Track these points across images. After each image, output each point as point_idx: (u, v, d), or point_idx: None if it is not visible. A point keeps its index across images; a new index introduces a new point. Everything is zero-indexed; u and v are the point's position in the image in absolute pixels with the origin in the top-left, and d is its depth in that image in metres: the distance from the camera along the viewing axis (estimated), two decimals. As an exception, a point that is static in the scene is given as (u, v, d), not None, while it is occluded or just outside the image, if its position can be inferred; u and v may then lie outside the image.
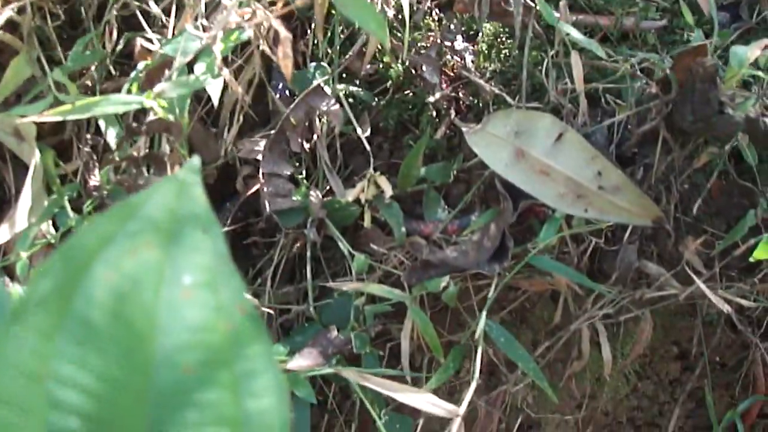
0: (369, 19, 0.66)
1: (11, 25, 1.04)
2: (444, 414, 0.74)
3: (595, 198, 0.90)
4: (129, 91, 0.85)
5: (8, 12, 1.03)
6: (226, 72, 0.81)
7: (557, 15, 0.98)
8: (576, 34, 0.96)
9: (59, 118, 0.76)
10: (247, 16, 0.86)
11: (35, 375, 0.36)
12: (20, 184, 1.03)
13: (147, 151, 0.82)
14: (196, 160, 0.39)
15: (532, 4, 0.99)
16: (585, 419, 1.05)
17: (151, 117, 0.80)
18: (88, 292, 0.37)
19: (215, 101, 0.81)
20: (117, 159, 0.88)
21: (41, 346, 0.37)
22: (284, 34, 0.71)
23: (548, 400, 1.01)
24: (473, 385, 0.80)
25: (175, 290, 0.38)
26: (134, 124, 0.82)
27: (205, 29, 0.91)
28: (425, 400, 0.75)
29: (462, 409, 0.75)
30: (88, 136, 0.91)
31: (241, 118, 0.88)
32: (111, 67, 1.03)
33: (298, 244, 0.99)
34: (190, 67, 0.89)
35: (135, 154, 0.82)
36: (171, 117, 0.77)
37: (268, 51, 0.90)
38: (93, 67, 1.02)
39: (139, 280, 0.38)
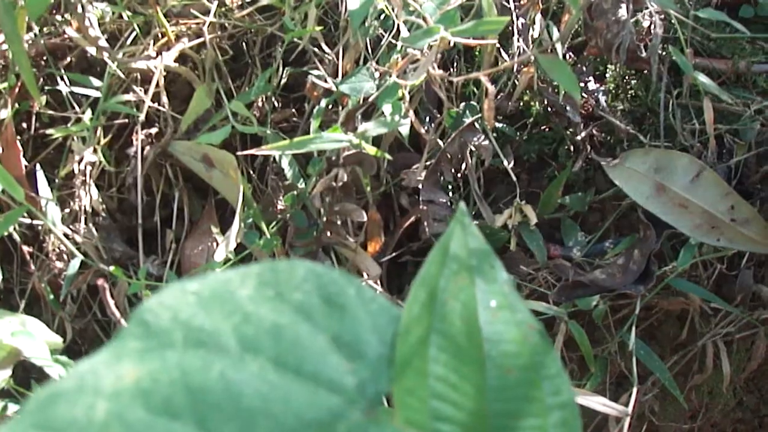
0: (564, 78, 0.77)
1: (181, 58, 1.16)
2: (615, 413, 0.85)
3: (726, 229, 1.00)
4: (316, 128, 0.96)
5: (181, 46, 1.14)
6: (411, 114, 0.91)
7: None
8: (705, 80, 1.06)
9: (277, 153, 0.86)
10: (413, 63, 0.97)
11: (421, 378, 0.47)
12: (192, 205, 1.14)
13: (345, 180, 0.93)
14: (462, 204, 0.50)
15: (663, 53, 1.10)
16: (697, 429, 1.16)
17: (347, 152, 0.91)
18: (441, 313, 0.49)
19: (405, 140, 0.92)
20: (299, 186, 0.99)
21: (420, 351, 0.48)
22: (491, 89, 0.82)
23: (668, 409, 1.12)
24: (635, 390, 0.90)
25: (488, 312, 0.49)
26: (333, 157, 0.93)
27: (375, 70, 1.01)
28: (598, 401, 0.86)
29: (629, 409, 0.86)
30: (274, 164, 1.02)
31: (426, 154, 0.99)
32: (274, 100, 1.14)
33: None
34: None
35: (333, 183, 0.93)
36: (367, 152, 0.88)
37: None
38: (260, 100, 1.13)
39: (464, 305, 0.49)
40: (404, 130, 0.91)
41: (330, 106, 1.04)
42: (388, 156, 0.92)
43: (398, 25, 0.97)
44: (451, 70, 1.15)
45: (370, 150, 0.87)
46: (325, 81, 1.03)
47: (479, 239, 0.50)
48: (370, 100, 0.95)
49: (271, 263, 0.47)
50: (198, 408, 0.42)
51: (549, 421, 0.48)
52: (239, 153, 0.93)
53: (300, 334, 0.46)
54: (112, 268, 0.98)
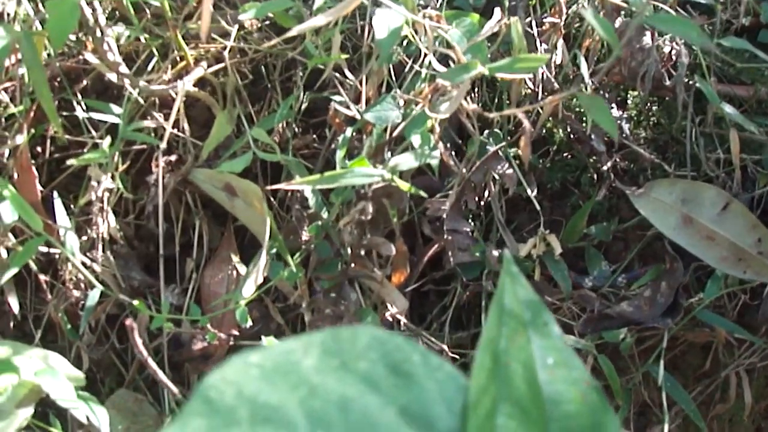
0: (604, 119, 0.76)
1: (200, 81, 1.13)
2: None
3: (753, 261, 1.00)
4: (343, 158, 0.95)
5: (200, 71, 1.12)
6: (441, 146, 0.90)
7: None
8: (730, 110, 1.06)
9: (307, 187, 0.85)
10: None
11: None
12: (212, 232, 1.13)
13: (372, 215, 0.91)
14: (508, 253, 0.49)
15: (687, 80, 1.09)
16: (717, 456, 1.16)
17: (376, 185, 0.90)
18: (505, 378, 0.48)
19: (435, 171, 0.91)
20: (323, 216, 0.98)
21: (489, 424, 0.47)
22: (528, 126, 0.81)
23: (690, 438, 1.12)
24: (666, 428, 0.90)
25: (546, 371, 0.48)
26: (362, 191, 0.91)
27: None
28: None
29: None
30: (298, 195, 1.01)
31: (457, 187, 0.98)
32: (295, 126, 1.12)
33: (468, 293, 1.09)
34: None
35: (360, 217, 0.91)
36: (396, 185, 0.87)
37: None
38: (281, 125, 1.11)
39: (525, 366, 0.48)
40: (434, 162, 0.89)
41: (354, 134, 1.02)
42: (423, 194, 0.91)
43: (425, 53, 0.96)
44: (473, 93, 1.14)
45: (403, 186, 0.86)
46: (348, 108, 1.02)
47: (529, 290, 0.49)
48: (397, 131, 0.94)
49: (333, 331, 0.46)
50: (269, 490, 0.41)
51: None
52: (267, 187, 0.91)
53: (369, 407, 0.45)
54: (136, 302, 0.96)
